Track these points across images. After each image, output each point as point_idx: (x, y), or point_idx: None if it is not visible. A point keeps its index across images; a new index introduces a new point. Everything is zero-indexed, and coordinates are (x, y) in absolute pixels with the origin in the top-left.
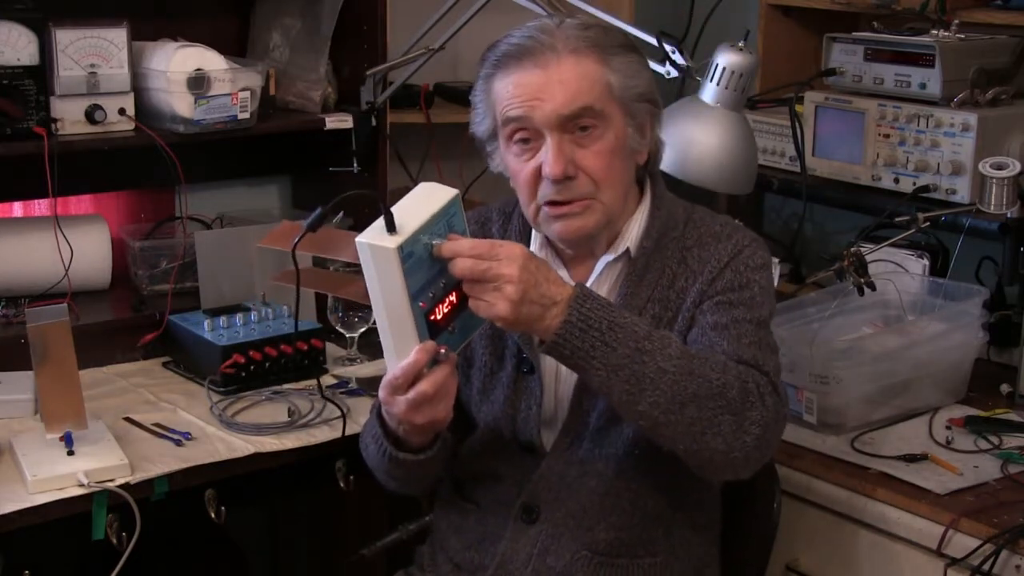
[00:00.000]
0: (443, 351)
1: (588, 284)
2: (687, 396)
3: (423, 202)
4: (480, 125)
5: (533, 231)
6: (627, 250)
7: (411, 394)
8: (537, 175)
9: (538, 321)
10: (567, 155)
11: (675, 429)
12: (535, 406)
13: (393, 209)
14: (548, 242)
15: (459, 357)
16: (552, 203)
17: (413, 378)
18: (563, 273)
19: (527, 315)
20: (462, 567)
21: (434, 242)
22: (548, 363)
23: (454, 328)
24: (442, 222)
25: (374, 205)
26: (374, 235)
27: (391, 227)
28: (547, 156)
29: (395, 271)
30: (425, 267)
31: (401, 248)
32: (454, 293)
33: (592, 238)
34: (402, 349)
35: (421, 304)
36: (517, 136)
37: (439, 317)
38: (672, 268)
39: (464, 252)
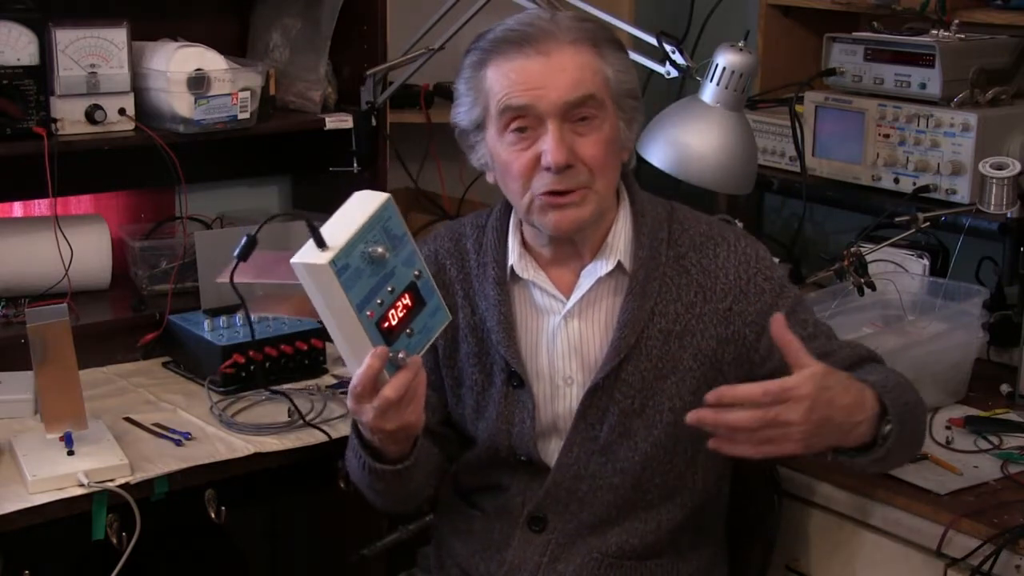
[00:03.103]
0: (401, 356)
1: (579, 297)
2: (921, 433)
3: (355, 212)
4: (467, 115)
5: (510, 239)
6: (619, 263)
7: (376, 401)
8: (533, 165)
9: (841, 441)
10: (568, 143)
11: (904, 458)
12: (528, 419)
13: (327, 224)
14: (526, 249)
15: (448, 377)
16: (550, 193)
17: (373, 385)
18: (545, 282)
19: (824, 442)
20: (470, 573)
21: (375, 250)
22: (539, 376)
23: (412, 331)
24: (377, 228)
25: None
26: (306, 254)
27: (320, 243)
28: (548, 144)
29: (333, 286)
30: (366, 276)
31: (334, 263)
32: (407, 295)
33: (584, 231)
34: (359, 360)
35: (369, 313)
36: (514, 125)
37: (393, 323)
38: (673, 278)
39: (754, 397)
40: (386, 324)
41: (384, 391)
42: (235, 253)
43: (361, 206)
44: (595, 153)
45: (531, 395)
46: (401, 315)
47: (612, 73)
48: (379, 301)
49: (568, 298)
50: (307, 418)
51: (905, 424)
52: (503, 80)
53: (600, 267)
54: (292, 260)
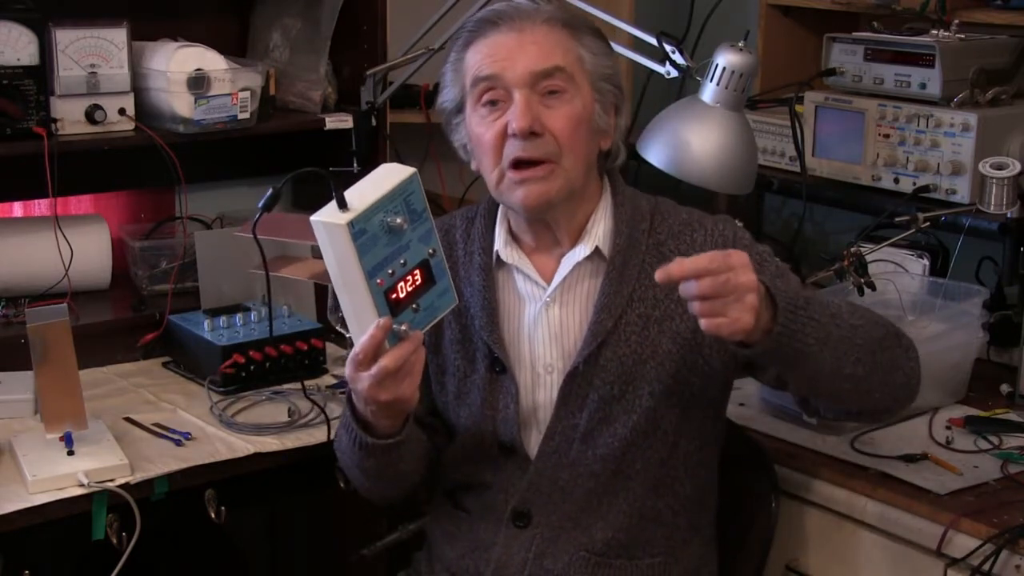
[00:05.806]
0: (404, 328)
1: (558, 283)
2: (875, 343)
3: (380, 181)
4: (447, 96)
5: (497, 227)
6: (597, 249)
7: (373, 370)
8: (502, 135)
9: (762, 323)
10: (534, 112)
11: (873, 379)
12: (512, 404)
13: (351, 189)
14: (512, 238)
15: (432, 364)
16: (517, 165)
17: (374, 354)
18: (528, 268)
19: (766, 317)
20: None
21: (393, 220)
22: (521, 362)
23: (418, 307)
24: (399, 200)
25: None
26: (327, 213)
27: (342, 204)
28: (514, 111)
29: (348, 248)
30: (381, 244)
31: (352, 224)
32: (417, 272)
33: (554, 209)
34: (363, 327)
35: (379, 281)
36: (485, 98)
37: (401, 296)
38: (652, 265)
39: (702, 267)
40: (394, 295)
41: (382, 360)
42: (259, 204)
43: (387, 177)
44: (563, 126)
45: (514, 381)
46: (410, 289)
47: (587, 55)
48: (390, 271)
49: (549, 286)
50: (307, 419)
51: (814, 319)
52: (477, 56)
53: (579, 252)
54: (312, 217)
